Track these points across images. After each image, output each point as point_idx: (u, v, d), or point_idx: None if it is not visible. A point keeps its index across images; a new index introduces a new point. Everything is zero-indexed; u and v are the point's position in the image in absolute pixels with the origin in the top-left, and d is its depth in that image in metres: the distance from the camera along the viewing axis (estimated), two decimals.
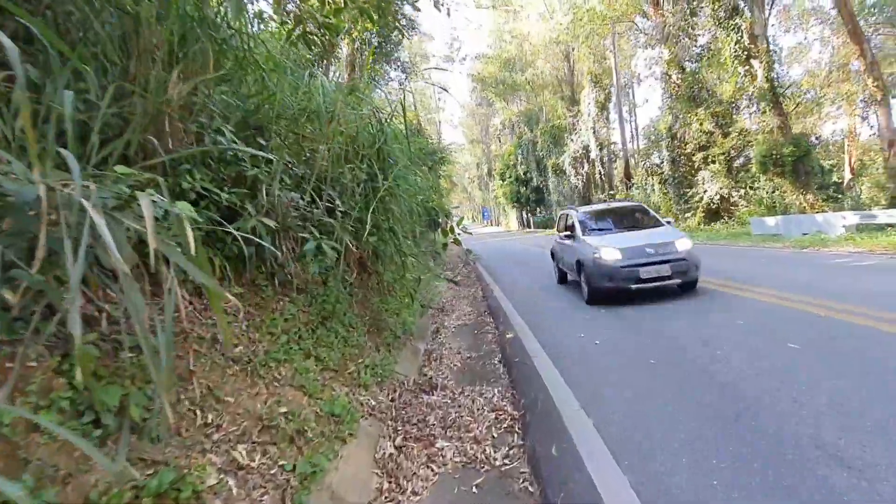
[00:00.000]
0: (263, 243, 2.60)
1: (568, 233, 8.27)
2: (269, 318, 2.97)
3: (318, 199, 3.76)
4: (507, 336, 5.76)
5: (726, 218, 18.08)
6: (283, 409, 2.36)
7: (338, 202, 4.01)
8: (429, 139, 18.84)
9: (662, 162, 21.22)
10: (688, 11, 16.80)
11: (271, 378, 2.55)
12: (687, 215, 19.68)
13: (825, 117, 26.84)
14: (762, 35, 14.58)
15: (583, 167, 31.81)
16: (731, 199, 18.03)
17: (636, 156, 32.94)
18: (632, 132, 40.36)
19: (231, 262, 2.72)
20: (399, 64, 17.69)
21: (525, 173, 47.78)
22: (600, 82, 29.06)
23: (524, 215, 56.54)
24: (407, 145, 5.87)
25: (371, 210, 4.17)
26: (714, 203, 18.26)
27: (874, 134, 24.26)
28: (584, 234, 7.69)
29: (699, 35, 19.43)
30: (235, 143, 2.78)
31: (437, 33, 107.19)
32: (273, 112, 3.51)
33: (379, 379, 3.84)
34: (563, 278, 9.24)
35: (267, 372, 2.55)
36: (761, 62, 14.67)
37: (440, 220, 22.58)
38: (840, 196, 17.54)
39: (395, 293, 6.29)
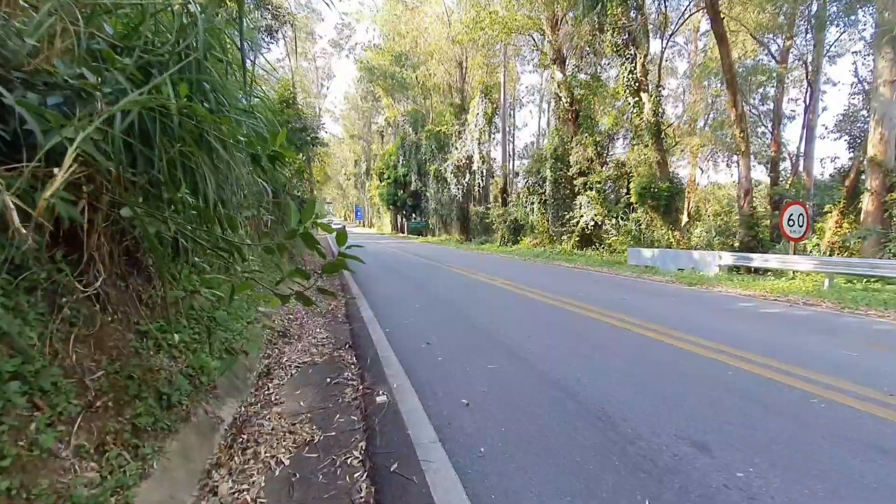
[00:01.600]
0: None
1: None
2: None
3: None
4: (377, 398, 3.49)
5: (597, 244, 18.38)
6: None
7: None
8: (301, 112, 15.68)
9: (545, 182, 21.08)
10: (588, 34, 16.61)
11: None
12: (563, 237, 19.67)
13: (672, 165, 30.17)
14: (655, 70, 14.89)
15: (464, 177, 31.12)
16: (604, 227, 18.35)
17: (510, 175, 33.50)
18: (509, 152, 41.65)
19: None
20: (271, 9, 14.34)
21: (405, 175, 46.07)
22: (490, 95, 28.70)
23: (399, 219, 54.84)
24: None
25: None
26: (588, 228, 18.43)
27: (711, 183, 27.73)
28: None
29: (590, 62, 19.72)
30: None
31: (328, 15, 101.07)
32: None
33: None
34: None
35: None
36: (651, 96, 14.89)
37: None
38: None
39: (200, 312, 3.65)
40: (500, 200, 34.36)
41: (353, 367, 4.37)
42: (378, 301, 7.78)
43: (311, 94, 55.96)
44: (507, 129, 37.76)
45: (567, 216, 19.03)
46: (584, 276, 11.47)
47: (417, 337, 5.44)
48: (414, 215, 50.26)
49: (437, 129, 33.15)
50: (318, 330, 5.84)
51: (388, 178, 48.36)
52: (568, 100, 19.91)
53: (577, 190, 18.69)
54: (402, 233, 52.81)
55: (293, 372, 4.21)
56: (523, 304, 7.63)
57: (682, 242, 14.79)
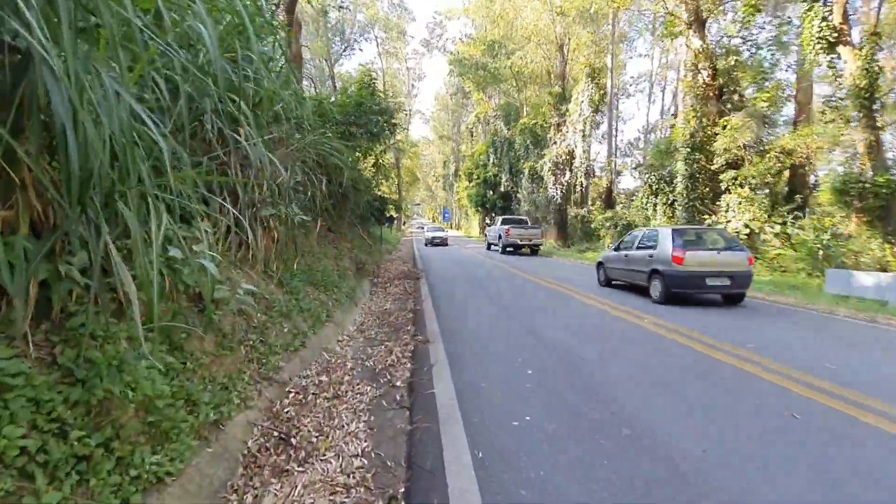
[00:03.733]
0: None
1: None
2: None
3: None
4: None
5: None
6: None
7: None
8: (381, 95, 13.34)
9: (673, 179, 16.74)
10: None
11: None
12: None
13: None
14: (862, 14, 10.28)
15: (563, 175, 27.24)
16: (762, 236, 13.70)
17: (613, 174, 28.88)
18: (613, 148, 36.50)
19: None
20: None
21: (495, 176, 43.03)
22: (597, 79, 24.58)
23: (488, 222, 51.94)
24: None
25: None
26: (740, 237, 13.87)
27: None
28: None
29: (742, 21, 15.09)
30: None
31: (420, 14, 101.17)
32: None
33: None
34: None
35: None
36: (858, 51, 10.24)
37: (387, 212, 16.87)
38: None
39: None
40: (603, 202, 29.99)
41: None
42: (466, 362, 4.79)
43: (401, 94, 55.20)
44: (613, 121, 33.01)
45: (708, 220, 14.62)
46: (778, 316, 7.46)
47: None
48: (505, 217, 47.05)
49: (533, 122, 29.61)
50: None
51: (477, 178, 45.66)
52: (709, 72, 15.47)
53: (723, 187, 14.24)
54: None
55: None
56: (725, 383, 4.12)
57: None
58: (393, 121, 12.88)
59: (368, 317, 7.47)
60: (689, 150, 15.28)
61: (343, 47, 42.69)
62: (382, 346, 5.51)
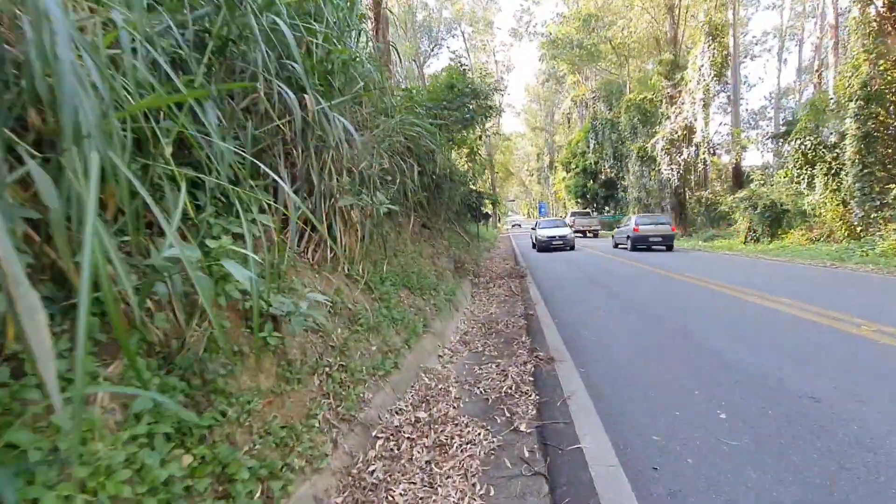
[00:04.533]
0: None
1: None
2: None
3: None
4: None
5: None
6: None
7: None
8: (471, 79, 12.25)
9: (837, 144, 13.39)
10: None
11: None
12: (880, 229, 11.88)
13: None
14: None
15: (680, 154, 23.92)
16: None
17: (738, 147, 24.61)
18: (738, 118, 31.16)
19: None
20: None
21: (595, 163, 39.97)
22: (719, 38, 21.05)
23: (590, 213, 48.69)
24: None
25: None
26: None
27: None
28: None
29: None
30: None
31: (506, 3, 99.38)
32: None
33: None
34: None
35: None
36: None
37: (482, 207, 15.84)
38: None
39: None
40: (731, 181, 25.88)
41: None
42: (619, 397, 3.48)
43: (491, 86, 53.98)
44: (738, 85, 28.39)
45: (892, 192, 11.27)
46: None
47: None
48: (607, 208, 43.52)
49: (641, 97, 26.54)
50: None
51: (576, 167, 42.91)
52: (884, 4, 12.01)
53: None
54: None
55: None
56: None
57: None
58: (488, 103, 11.72)
59: (472, 324, 6.41)
60: (862, 102, 11.96)
61: (431, 46, 42.67)
62: (493, 365, 4.39)
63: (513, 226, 61.49)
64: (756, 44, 35.60)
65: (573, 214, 32.32)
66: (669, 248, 16.61)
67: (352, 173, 4.44)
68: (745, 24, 36.74)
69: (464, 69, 11.47)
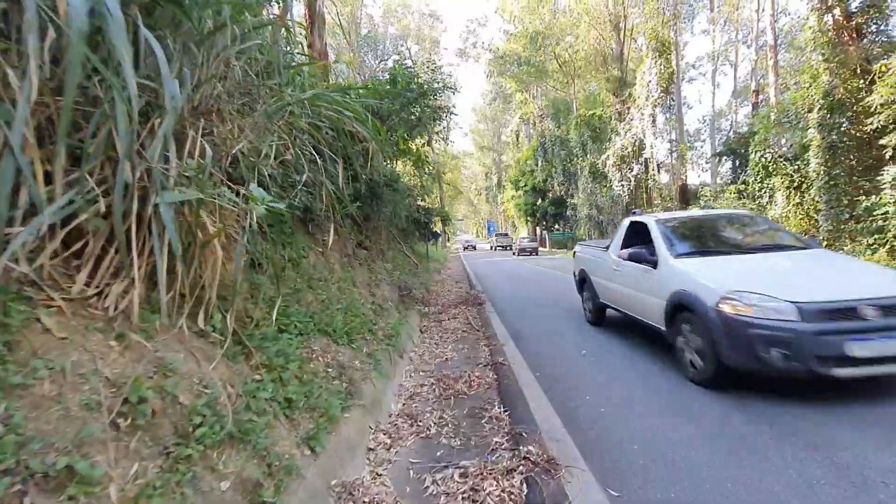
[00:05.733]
0: None
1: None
2: None
3: None
4: None
5: None
6: None
7: None
8: (415, 75, 10.58)
9: (800, 154, 12.98)
10: None
11: None
12: (847, 244, 11.37)
13: None
14: None
15: (631, 170, 23.60)
16: None
17: (683, 163, 24.77)
18: (683, 134, 31.66)
19: None
20: None
21: (544, 181, 39.74)
22: (665, 52, 21.03)
23: (539, 231, 48.45)
24: None
25: None
26: None
27: None
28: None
29: None
30: None
31: (451, 25, 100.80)
32: None
33: None
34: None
35: None
36: None
37: (432, 224, 14.04)
38: None
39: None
40: (677, 199, 25.91)
41: None
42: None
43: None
44: (681, 103, 28.90)
45: (862, 204, 10.76)
46: None
47: None
48: (556, 226, 43.32)
49: (590, 113, 26.25)
50: None
51: (525, 185, 42.58)
52: (841, 10, 11.80)
53: (888, 155, 10.38)
54: (544, 246, 46.24)
55: None
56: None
57: None
58: (438, 102, 10.14)
59: (422, 378, 4.59)
60: (825, 112, 11.54)
61: (378, 62, 41.23)
62: (455, 473, 2.59)
63: (465, 247, 49.89)
64: (692, 67, 37.01)
65: (497, 236, 46.95)
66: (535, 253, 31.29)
67: (219, 159, 2.59)
68: (683, 47, 38.31)
69: (409, 68, 9.86)
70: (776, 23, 21.64)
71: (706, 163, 40.38)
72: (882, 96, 10.23)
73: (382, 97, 9.10)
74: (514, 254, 34.51)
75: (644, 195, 24.68)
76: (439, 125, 10.87)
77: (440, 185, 40.14)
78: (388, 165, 7.56)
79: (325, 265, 5.41)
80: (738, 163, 25.35)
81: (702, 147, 42.25)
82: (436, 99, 10.12)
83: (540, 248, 45.20)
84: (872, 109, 10.55)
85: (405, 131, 9.65)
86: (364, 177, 6.98)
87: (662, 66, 20.87)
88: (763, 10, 25.68)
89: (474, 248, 44.28)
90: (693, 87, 65.17)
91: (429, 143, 11.52)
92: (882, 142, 10.38)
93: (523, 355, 5.29)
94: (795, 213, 12.99)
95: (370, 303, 5.98)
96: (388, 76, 9.67)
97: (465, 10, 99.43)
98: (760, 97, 26.64)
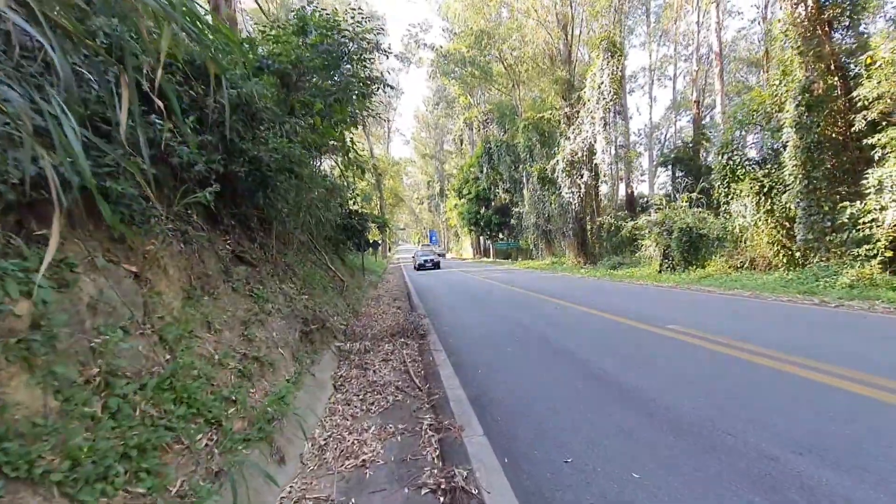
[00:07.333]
0: None
1: None
2: None
3: None
4: None
5: None
6: None
7: None
8: (339, 27, 7.84)
9: (772, 157, 11.88)
10: None
11: None
12: (827, 256, 10.26)
13: None
14: None
15: (581, 176, 22.39)
16: None
17: (629, 170, 24.17)
18: (629, 139, 31.29)
19: None
20: None
21: (487, 189, 38.27)
22: (617, 53, 20.03)
23: (483, 241, 46.94)
24: None
25: None
26: None
27: None
28: None
29: None
30: None
31: (393, 30, 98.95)
32: None
33: None
34: None
35: None
36: None
37: (367, 232, 11.63)
38: None
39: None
40: (626, 207, 25.17)
41: None
42: None
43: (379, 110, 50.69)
44: (626, 112, 28.54)
45: (843, 212, 9.67)
46: None
47: None
48: (500, 235, 42.00)
49: (538, 116, 24.91)
50: None
51: (468, 194, 40.88)
52: (813, 4, 10.84)
53: (875, 156, 9.32)
54: (487, 256, 44.76)
55: None
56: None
57: None
58: (367, 70, 7.73)
59: None
60: (804, 109, 10.43)
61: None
62: None
63: (421, 264, 31.27)
64: (632, 79, 37.26)
65: (423, 246, 44.64)
66: (437, 267, 28.59)
67: None
68: (625, 56, 38.64)
69: (326, 13, 7.39)
70: (721, 31, 21.40)
71: (641, 175, 41.02)
72: (874, 89, 9.15)
73: (291, 59, 6.56)
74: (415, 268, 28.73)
75: (593, 202, 23.61)
76: (370, 102, 8.44)
77: (380, 190, 37.48)
78: (291, 146, 5.02)
79: (135, 295, 2.81)
80: (675, 173, 25.09)
81: (638, 158, 42.91)
82: (365, 66, 7.74)
83: (483, 259, 43.92)
84: (860, 104, 9.48)
85: (323, 106, 7.14)
86: (244, 152, 4.45)
87: (615, 68, 19.82)
88: (702, 22, 25.87)
89: (437, 265, 28.66)
90: (631, 99, 67.36)
91: (357, 125, 9.00)
92: (871, 141, 9.29)
93: (504, 457, 2.98)
94: (766, 220, 11.86)
95: (236, 359, 3.42)
96: (294, 19, 7.12)
97: (407, 15, 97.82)
98: (701, 107, 26.76)
